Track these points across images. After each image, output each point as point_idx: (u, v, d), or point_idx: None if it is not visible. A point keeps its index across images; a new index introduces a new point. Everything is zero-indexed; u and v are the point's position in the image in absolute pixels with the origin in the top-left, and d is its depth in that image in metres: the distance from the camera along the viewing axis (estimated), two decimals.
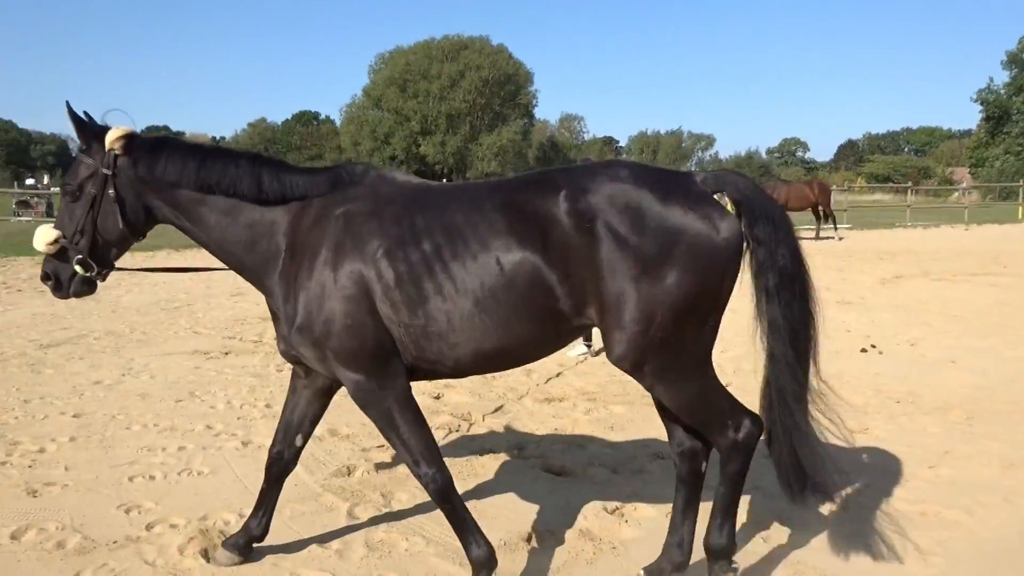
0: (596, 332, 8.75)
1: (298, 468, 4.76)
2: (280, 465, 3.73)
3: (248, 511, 3.93)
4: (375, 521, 4.11)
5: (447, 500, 3.28)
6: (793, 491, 3.23)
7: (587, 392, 6.72)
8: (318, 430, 5.57)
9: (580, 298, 3.02)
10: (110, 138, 3.32)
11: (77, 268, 3.39)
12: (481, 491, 4.50)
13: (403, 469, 4.81)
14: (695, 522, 3.40)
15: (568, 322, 3.11)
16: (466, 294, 3.04)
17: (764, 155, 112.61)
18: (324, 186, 3.34)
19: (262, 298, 3.52)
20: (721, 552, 3.30)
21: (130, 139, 3.35)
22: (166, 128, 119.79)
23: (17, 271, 15.27)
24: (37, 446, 5.21)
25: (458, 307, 3.05)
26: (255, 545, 3.70)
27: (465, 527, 3.32)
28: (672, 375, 3.06)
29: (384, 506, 4.30)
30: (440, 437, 5.45)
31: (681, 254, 2.89)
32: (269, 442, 5.33)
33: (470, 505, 4.23)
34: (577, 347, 8.07)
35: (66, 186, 3.41)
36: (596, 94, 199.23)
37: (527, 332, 3.09)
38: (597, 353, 8.10)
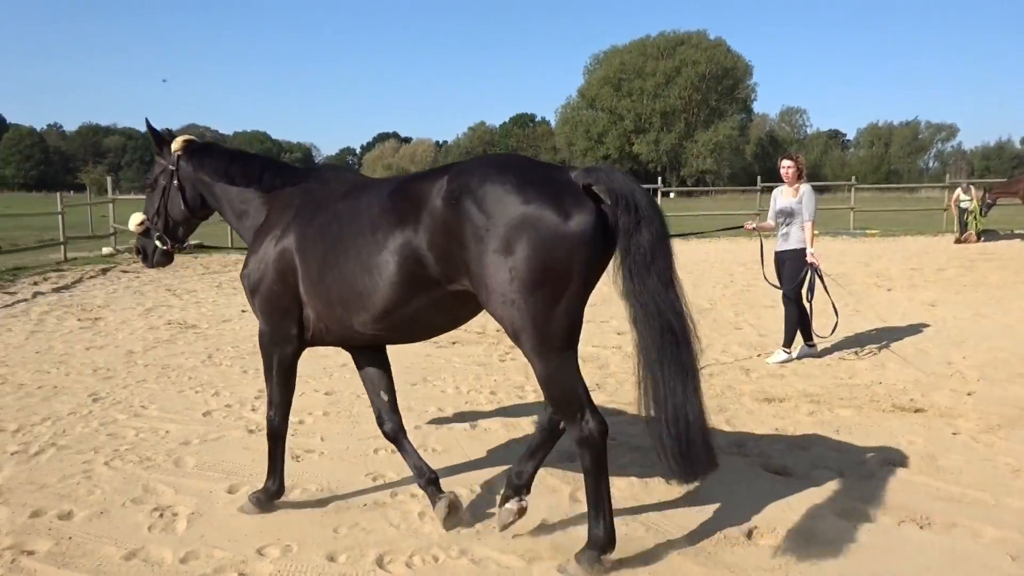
0: (798, 339, 8.28)
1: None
2: (388, 423, 4.28)
3: (479, 489, 4.44)
4: None
5: (273, 441, 4.23)
6: (677, 467, 3.26)
7: (810, 394, 6.50)
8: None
9: (449, 265, 3.38)
10: (175, 144, 4.44)
11: (157, 243, 4.56)
12: (701, 484, 4.50)
13: (621, 461, 4.94)
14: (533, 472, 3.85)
15: (441, 287, 3.48)
16: (353, 264, 3.59)
17: (1018, 145, 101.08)
18: (301, 180, 4.23)
19: None
20: (596, 543, 3.45)
21: (189, 144, 4.46)
22: (394, 134, 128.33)
23: None
24: (297, 418, 5.88)
25: (346, 276, 3.62)
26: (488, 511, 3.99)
27: (273, 459, 4.23)
28: (541, 348, 3.25)
29: None
30: None
31: (526, 234, 3.14)
32: (495, 425, 5.74)
33: (688, 497, 4.32)
34: (776, 354, 7.81)
35: (147, 179, 4.63)
36: (821, 85, 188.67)
37: (403, 296, 3.52)
38: (800, 356, 7.81)
